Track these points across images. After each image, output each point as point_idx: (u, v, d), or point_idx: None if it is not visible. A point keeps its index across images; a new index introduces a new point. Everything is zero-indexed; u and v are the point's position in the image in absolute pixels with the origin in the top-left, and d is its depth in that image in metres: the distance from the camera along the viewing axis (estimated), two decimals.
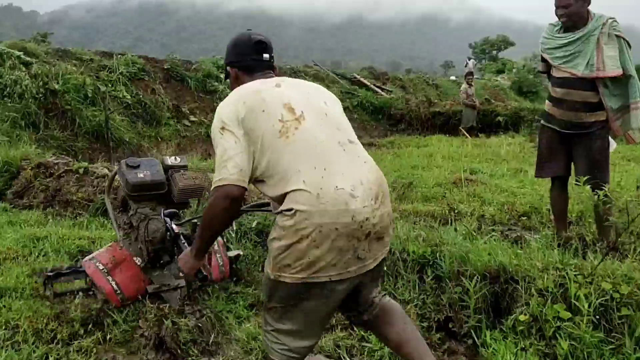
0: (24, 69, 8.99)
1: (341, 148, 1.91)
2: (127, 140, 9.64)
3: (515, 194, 5.94)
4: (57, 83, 9.11)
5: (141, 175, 2.80)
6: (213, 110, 12.35)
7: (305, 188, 1.76)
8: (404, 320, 2.13)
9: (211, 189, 1.87)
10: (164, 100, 11.67)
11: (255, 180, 1.90)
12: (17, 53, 9.34)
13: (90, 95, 9.59)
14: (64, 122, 8.97)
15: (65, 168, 6.51)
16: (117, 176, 3.07)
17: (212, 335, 2.76)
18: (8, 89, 8.54)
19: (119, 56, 11.67)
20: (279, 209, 1.81)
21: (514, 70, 26.76)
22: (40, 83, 8.80)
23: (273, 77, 2.13)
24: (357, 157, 1.94)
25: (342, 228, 1.76)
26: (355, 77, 18.47)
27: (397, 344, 2.09)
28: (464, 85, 14.08)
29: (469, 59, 32.21)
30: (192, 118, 12.01)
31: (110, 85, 10.39)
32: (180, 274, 2.30)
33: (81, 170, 5.98)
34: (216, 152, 1.89)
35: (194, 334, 2.69)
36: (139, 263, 2.90)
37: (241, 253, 3.47)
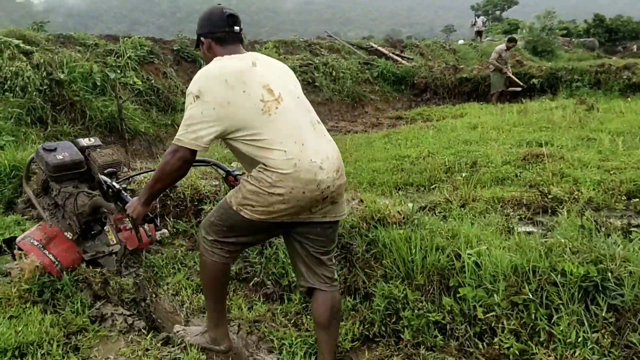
0: (24, 58, 8.09)
1: (312, 127, 2.27)
2: (143, 130, 8.80)
3: (609, 170, 5.08)
4: (62, 72, 8.24)
5: (60, 156, 3.01)
6: None
7: (286, 157, 2.12)
8: (335, 315, 2.46)
9: (171, 144, 2.18)
10: (176, 84, 10.79)
11: (232, 139, 2.20)
12: (16, 42, 8.44)
13: (99, 83, 8.73)
14: (73, 116, 8.13)
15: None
16: (32, 164, 3.38)
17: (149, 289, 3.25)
18: (9, 82, 7.68)
19: (126, 39, 10.73)
20: (259, 165, 2.16)
21: (524, 30, 25.46)
22: (44, 73, 7.93)
23: (242, 49, 2.38)
24: (324, 136, 2.32)
25: (308, 192, 2.15)
26: (372, 47, 17.43)
27: (318, 325, 2.48)
28: (501, 46, 13.02)
29: (477, 16, 30.78)
30: None
31: (119, 72, 9.50)
32: (130, 219, 2.49)
33: None
34: (185, 113, 2.19)
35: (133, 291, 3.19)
36: (70, 237, 3.13)
37: (166, 232, 3.89)
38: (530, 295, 2.39)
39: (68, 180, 3.14)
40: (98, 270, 3.15)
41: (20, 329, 2.70)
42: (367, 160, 6.94)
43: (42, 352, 2.60)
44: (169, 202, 4.72)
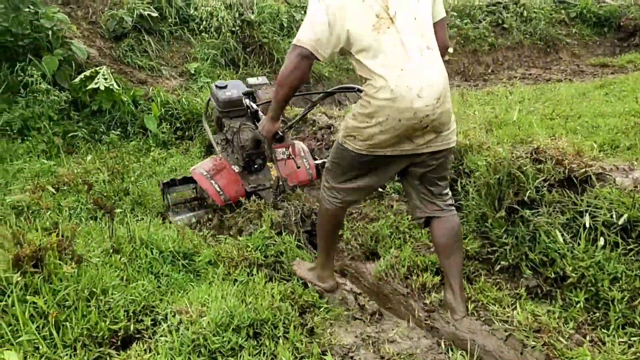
0: None
1: (419, 53, 2.16)
2: (327, 75, 8.42)
3: None
4: (252, 13, 8.07)
5: (229, 93, 3.26)
6: None
7: (385, 82, 2.11)
8: (455, 239, 2.46)
9: (291, 45, 2.17)
10: None
11: (349, 54, 2.21)
12: None
13: (285, 25, 8.46)
14: (261, 58, 7.98)
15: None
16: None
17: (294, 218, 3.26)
18: (204, 23, 7.69)
19: None
20: (363, 91, 2.21)
21: None
22: (237, 14, 7.81)
23: None
24: (431, 62, 2.19)
25: (405, 121, 2.14)
26: None
27: (440, 253, 2.52)
28: None
29: None
30: None
31: (303, 12, 9.15)
32: (263, 139, 2.61)
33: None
34: (308, 11, 2.19)
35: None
36: (236, 170, 3.33)
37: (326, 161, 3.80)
38: None
39: (237, 117, 3.34)
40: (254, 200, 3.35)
41: (250, 300, 2.37)
42: (593, 116, 5.80)
43: (277, 334, 2.25)
44: None
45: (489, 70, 11.64)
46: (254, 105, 2.99)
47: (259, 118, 2.81)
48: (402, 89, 2.09)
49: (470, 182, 3.34)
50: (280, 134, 2.56)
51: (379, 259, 3.07)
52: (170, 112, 5.93)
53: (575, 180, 2.76)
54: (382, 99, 2.11)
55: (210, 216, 3.52)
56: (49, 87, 5.33)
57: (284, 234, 3.14)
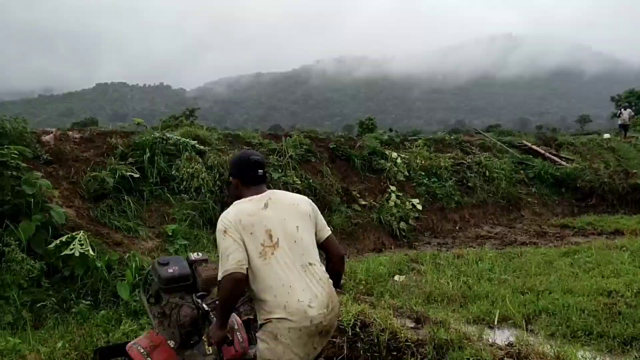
0: (199, 160, 8.38)
1: (302, 270, 2.62)
2: None
3: None
4: None
5: (170, 270, 3.29)
6: (381, 192, 10.93)
7: (276, 301, 2.52)
8: None
9: (218, 278, 2.59)
10: (332, 183, 10.65)
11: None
12: (192, 142, 8.85)
13: None
14: None
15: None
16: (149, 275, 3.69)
17: None
18: (185, 183, 7.92)
19: (287, 138, 10.94)
20: (260, 318, 2.62)
21: None
22: (217, 175, 8.09)
23: (264, 190, 2.78)
24: (314, 276, 2.63)
25: (304, 329, 2.52)
26: (525, 145, 16.42)
27: None
28: None
29: (624, 108, 27.87)
30: (362, 202, 10.82)
31: (280, 171, 9.56)
32: (212, 342, 2.85)
33: None
34: (219, 252, 2.60)
35: None
36: (172, 345, 3.30)
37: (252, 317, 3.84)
38: None
39: (176, 292, 3.40)
40: None
41: None
42: (562, 292, 5.95)
43: None
44: (359, 345, 4.17)
45: (457, 227, 12.06)
46: (205, 307, 3.09)
47: (209, 319, 2.95)
48: (293, 303, 2.50)
49: None
50: (230, 338, 2.77)
51: None
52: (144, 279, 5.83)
53: None
54: (278, 315, 2.50)
55: None
56: (23, 255, 5.25)
57: None
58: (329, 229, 2.87)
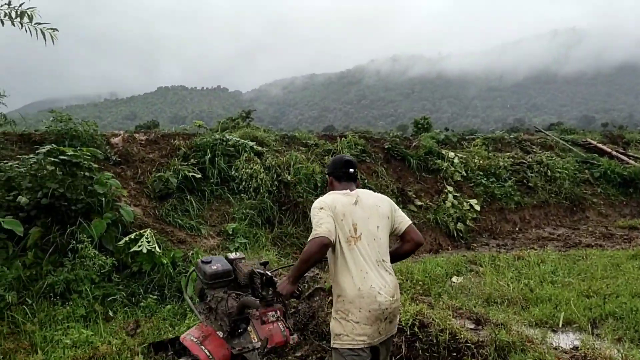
0: (257, 160, 8.57)
1: (377, 264, 2.98)
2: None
3: None
4: (289, 174, 8.52)
5: (214, 267, 3.51)
6: (438, 192, 10.77)
7: (353, 282, 2.91)
8: None
9: (308, 240, 2.89)
10: (387, 184, 10.62)
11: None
12: (250, 143, 9.06)
13: (319, 184, 8.86)
14: (295, 216, 8.26)
15: (315, 286, 5.47)
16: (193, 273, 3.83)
17: None
18: (244, 184, 8.12)
19: (342, 138, 11.00)
20: (335, 297, 3.00)
21: None
22: (275, 175, 8.26)
23: (354, 187, 3.14)
24: (385, 270, 3.01)
25: (373, 311, 2.89)
26: (590, 143, 15.74)
27: None
28: None
29: None
30: (418, 202, 10.72)
31: None
32: (280, 297, 3.16)
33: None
34: (313, 222, 2.93)
35: None
36: (221, 335, 3.52)
37: (296, 337, 3.87)
38: None
39: (219, 287, 3.63)
40: None
41: None
42: (629, 296, 5.72)
43: None
44: (417, 345, 4.17)
45: (517, 229, 11.74)
46: (268, 273, 3.37)
47: (274, 282, 3.23)
48: (366, 287, 2.86)
49: None
50: (297, 292, 3.12)
51: None
52: None
53: None
54: (351, 296, 2.87)
55: None
56: (95, 252, 5.56)
57: None
58: (409, 219, 3.16)
